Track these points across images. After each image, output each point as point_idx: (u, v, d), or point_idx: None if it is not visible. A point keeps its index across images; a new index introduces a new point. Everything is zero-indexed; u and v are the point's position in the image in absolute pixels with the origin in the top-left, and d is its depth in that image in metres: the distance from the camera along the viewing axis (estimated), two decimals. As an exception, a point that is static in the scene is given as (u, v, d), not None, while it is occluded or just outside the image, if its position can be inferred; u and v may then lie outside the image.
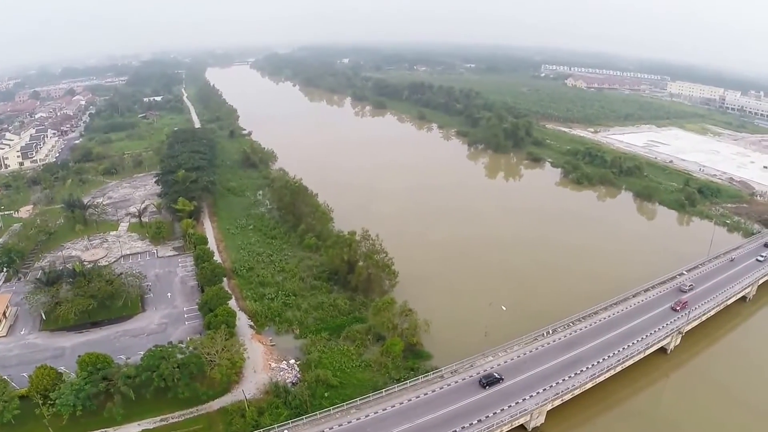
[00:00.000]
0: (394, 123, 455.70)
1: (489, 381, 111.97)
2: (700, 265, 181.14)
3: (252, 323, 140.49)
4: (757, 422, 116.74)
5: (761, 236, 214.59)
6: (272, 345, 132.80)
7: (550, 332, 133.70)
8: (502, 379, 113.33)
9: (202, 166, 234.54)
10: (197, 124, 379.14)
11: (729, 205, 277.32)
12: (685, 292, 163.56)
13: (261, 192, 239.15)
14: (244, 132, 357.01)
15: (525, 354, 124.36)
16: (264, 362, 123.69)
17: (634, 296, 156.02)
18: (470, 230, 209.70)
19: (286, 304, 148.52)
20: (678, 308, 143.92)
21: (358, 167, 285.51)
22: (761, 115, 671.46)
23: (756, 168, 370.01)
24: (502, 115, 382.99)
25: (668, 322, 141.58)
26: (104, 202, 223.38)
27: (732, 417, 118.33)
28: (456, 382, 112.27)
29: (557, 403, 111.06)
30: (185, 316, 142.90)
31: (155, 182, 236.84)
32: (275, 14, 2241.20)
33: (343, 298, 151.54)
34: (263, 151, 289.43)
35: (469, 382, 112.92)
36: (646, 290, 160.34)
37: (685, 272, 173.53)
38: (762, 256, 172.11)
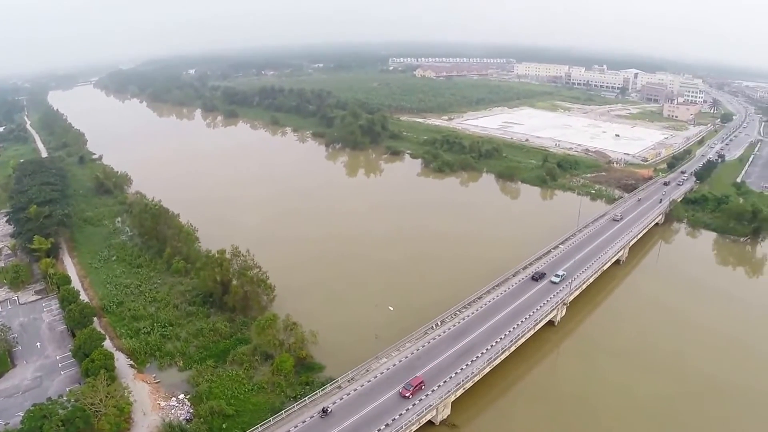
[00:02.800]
0: (248, 131, 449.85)
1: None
2: (572, 236, 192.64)
3: (132, 362, 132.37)
4: (642, 378, 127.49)
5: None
6: (157, 382, 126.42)
7: (439, 324, 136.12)
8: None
9: (54, 198, 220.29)
10: (44, 153, 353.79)
11: (589, 175, 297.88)
12: (617, 221, 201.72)
13: (120, 219, 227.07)
14: (94, 156, 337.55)
15: (419, 350, 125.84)
16: (152, 402, 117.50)
17: (514, 275, 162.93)
18: (343, 232, 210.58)
19: (164, 336, 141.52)
20: (409, 395, 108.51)
21: (216, 181, 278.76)
22: (606, 87, 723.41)
23: (608, 137, 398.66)
24: (356, 112, 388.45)
25: (552, 295, 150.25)
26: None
27: (619, 375, 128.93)
28: (355, 390, 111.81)
29: (460, 392, 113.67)
30: (60, 365, 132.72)
31: (6, 221, 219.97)
32: (112, 29, 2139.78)
33: (222, 320, 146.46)
34: (117, 174, 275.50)
35: (368, 388, 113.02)
36: (524, 268, 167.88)
37: (561, 246, 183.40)
38: (557, 275, 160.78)
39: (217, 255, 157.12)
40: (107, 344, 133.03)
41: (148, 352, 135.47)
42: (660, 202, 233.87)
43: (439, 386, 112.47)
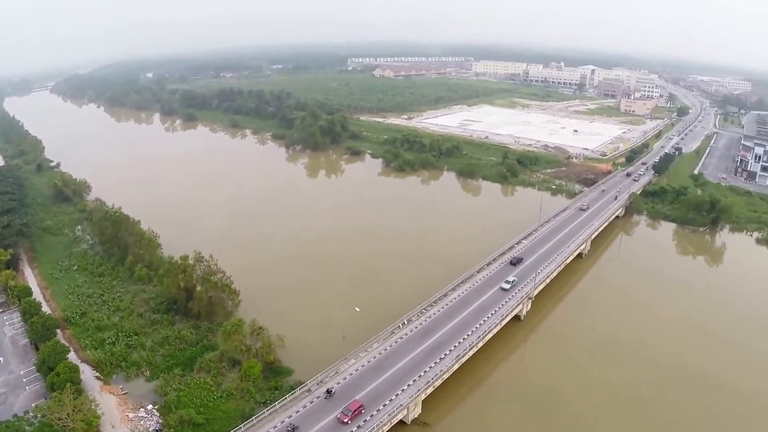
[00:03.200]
0: (207, 134, 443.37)
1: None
2: (534, 231, 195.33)
3: (98, 374, 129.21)
4: (610, 367, 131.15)
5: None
6: (124, 393, 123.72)
7: (406, 323, 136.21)
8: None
9: (12, 208, 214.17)
10: (1, 162, 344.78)
11: (549, 170, 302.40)
12: (585, 210, 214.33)
13: (80, 227, 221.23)
14: (52, 164, 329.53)
15: (386, 349, 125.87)
16: (120, 414, 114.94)
17: (479, 272, 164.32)
18: (307, 233, 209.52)
19: (129, 346, 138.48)
20: (348, 420, 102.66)
21: (176, 186, 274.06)
22: (564, 83, 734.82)
23: (567, 133, 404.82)
24: (316, 113, 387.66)
25: (518, 290, 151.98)
26: None
27: (587, 365, 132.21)
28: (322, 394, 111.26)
29: (430, 391, 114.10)
30: (24, 380, 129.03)
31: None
32: (68, 33, 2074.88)
33: (187, 327, 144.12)
34: (75, 182, 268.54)
35: (337, 390, 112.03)
36: (489, 264, 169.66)
37: (524, 241, 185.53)
38: (508, 282, 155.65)
39: (180, 261, 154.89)
40: (72, 356, 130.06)
41: (113, 363, 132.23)
42: (615, 198, 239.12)
43: (408, 385, 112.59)
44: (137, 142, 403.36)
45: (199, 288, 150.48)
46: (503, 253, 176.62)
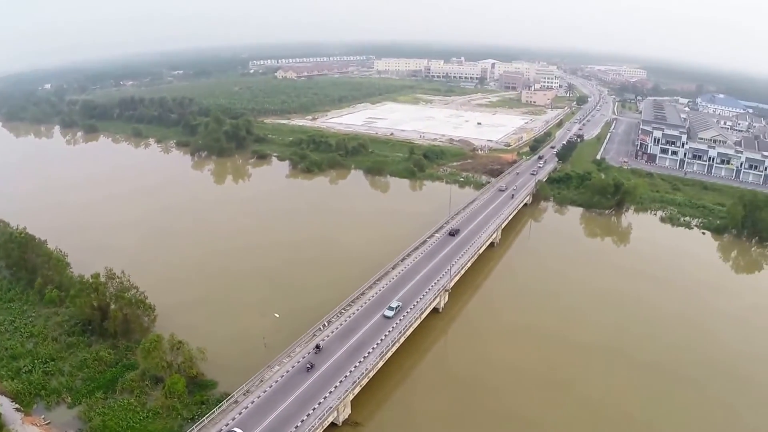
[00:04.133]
0: (110, 145, 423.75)
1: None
2: (445, 224, 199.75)
3: (17, 405, 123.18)
4: (529, 349, 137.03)
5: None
6: (47, 423, 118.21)
7: (327, 324, 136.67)
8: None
9: None
10: None
11: (455, 163, 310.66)
12: (503, 191, 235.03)
13: None
14: None
15: (309, 353, 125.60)
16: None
17: (393, 268, 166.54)
18: (218, 242, 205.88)
19: (46, 373, 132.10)
20: None
21: (81, 201, 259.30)
22: (466, 77, 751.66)
23: (471, 126, 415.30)
24: (219, 118, 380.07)
25: (433, 283, 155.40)
26: None
27: (507, 350, 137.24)
28: (252, 402, 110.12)
29: (357, 390, 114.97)
30: None
31: None
32: None
33: (105, 348, 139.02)
34: None
35: (264, 399, 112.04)
36: (402, 259, 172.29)
37: (437, 234, 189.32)
38: (391, 308, 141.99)
39: (92, 280, 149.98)
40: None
41: (32, 392, 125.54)
42: (512, 197, 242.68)
43: (336, 387, 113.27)
44: (38, 158, 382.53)
45: (113, 306, 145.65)
46: (416, 248, 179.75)
